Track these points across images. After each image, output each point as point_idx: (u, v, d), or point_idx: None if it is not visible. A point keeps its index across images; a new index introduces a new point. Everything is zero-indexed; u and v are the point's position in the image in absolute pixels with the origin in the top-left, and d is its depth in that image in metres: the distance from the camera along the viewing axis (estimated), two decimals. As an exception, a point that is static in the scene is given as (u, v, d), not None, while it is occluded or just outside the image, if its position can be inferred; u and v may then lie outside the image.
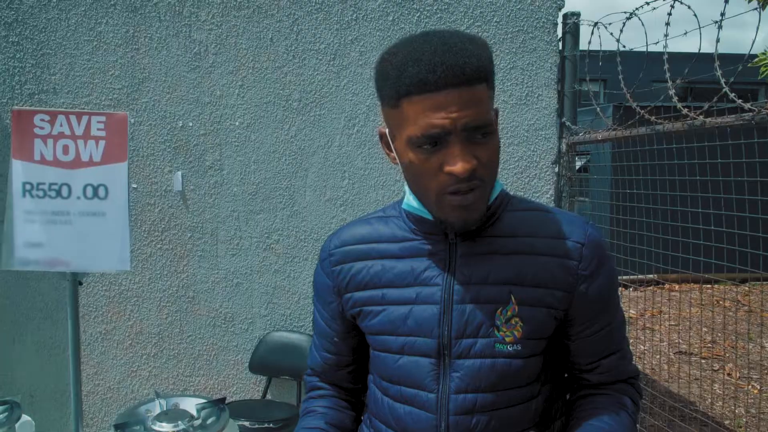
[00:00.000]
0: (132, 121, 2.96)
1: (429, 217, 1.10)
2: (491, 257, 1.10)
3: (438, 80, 0.94)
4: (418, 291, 1.11)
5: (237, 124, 3.01)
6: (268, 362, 3.03)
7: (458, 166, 0.97)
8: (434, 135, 0.96)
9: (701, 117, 2.12)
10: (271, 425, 2.61)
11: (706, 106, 2.10)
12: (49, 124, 1.71)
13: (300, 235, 3.08)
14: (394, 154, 1.07)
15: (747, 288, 7.37)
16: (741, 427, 4.57)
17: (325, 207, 3.07)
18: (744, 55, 2.00)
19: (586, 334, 1.13)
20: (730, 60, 2.11)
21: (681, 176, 2.66)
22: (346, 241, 1.19)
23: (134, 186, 2.97)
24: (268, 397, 3.08)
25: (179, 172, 2.99)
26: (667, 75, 2.29)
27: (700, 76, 2.29)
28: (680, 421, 3.41)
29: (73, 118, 1.73)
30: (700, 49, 2.28)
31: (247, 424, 2.59)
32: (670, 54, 2.40)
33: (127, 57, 2.95)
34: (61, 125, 1.72)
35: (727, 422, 4.45)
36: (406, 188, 1.14)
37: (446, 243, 1.11)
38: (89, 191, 1.75)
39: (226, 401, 2.83)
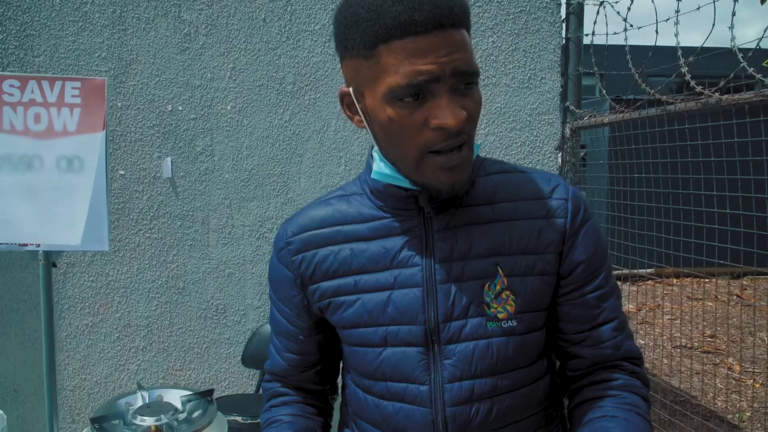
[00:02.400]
0: (119, 105, 2.84)
1: (404, 184, 0.96)
2: (470, 229, 0.98)
3: (425, 20, 0.82)
4: (396, 274, 0.99)
5: (229, 108, 2.90)
6: (262, 355, 2.91)
7: (449, 119, 0.85)
8: (419, 84, 0.84)
9: (716, 94, 2.01)
10: (264, 420, 2.50)
11: (722, 82, 1.99)
12: (19, 90, 1.57)
13: (294, 224, 2.96)
14: (359, 116, 0.94)
15: (746, 282, 7.30)
16: (744, 421, 4.53)
17: (321, 194, 2.95)
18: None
19: (576, 296, 1.01)
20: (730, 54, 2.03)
21: (694, 158, 2.55)
22: (306, 226, 1.05)
23: (121, 173, 2.85)
24: (261, 391, 2.97)
25: (168, 158, 2.88)
26: (679, 52, 2.19)
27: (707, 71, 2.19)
28: (682, 415, 3.33)
29: (45, 83, 1.60)
30: (704, 44, 2.18)
31: (239, 419, 2.48)
32: (671, 48, 2.30)
33: (114, 38, 2.83)
34: (32, 91, 1.59)
35: (729, 416, 4.40)
36: (375, 154, 1.00)
37: (420, 218, 0.99)
38: (63, 164, 1.62)
39: (217, 396, 2.73)
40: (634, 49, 2.61)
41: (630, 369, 1.04)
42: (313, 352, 1.12)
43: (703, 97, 2.07)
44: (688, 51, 2.22)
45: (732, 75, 1.97)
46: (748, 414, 4.49)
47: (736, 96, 1.95)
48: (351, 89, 0.94)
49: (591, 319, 1.02)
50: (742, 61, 1.90)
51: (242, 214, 2.94)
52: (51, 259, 1.71)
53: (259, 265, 2.96)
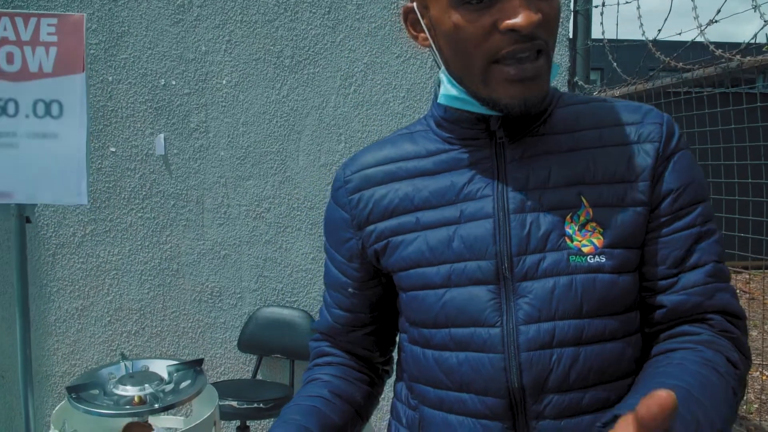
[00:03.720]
0: (110, 79, 2.73)
1: (472, 108, 0.86)
2: (548, 158, 0.87)
3: None
4: (463, 207, 0.87)
5: (224, 82, 2.79)
6: (259, 340, 2.81)
7: (520, 19, 0.75)
8: None
9: (737, 57, 1.90)
10: (261, 405, 2.39)
11: (743, 44, 1.88)
12: (-11, 28, 1.45)
13: (292, 203, 2.85)
14: (424, 33, 0.86)
15: (748, 276, 7.20)
16: (752, 413, 4.49)
17: (320, 173, 2.85)
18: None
19: (666, 232, 0.86)
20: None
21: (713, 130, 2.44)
22: (366, 163, 0.96)
23: (112, 150, 2.74)
24: (259, 377, 2.86)
25: (161, 135, 2.77)
26: (694, 14, 2.08)
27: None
28: None
29: (19, 20, 1.47)
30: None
31: (235, 404, 2.37)
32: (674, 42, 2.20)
33: (105, 9, 2.72)
34: (5, 29, 1.46)
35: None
36: (442, 76, 0.90)
37: (491, 148, 0.88)
38: (40, 108, 1.49)
39: (213, 381, 2.61)
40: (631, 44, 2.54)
41: (721, 326, 0.86)
42: (364, 310, 1.01)
43: (723, 60, 1.96)
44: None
45: (754, 35, 1.86)
46: (755, 405, 4.44)
47: (760, 57, 1.84)
48: (415, 4, 0.86)
49: (680, 262, 0.86)
50: (762, 17, 1.79)
51: (238, 193, 2.83)
52: (24, 213, 1.58)
53: (255, 246, 2.85)
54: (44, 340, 2.75)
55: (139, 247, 2.80)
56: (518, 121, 0.87)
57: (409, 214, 0.91)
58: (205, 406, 1.26)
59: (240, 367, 2.89)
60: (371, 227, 0.94)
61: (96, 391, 1.22)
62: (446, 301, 0.88)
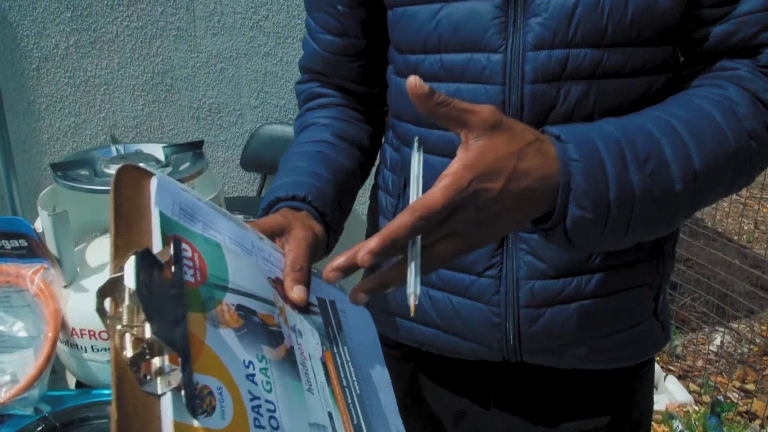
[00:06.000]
0: None
1: None
2: None
3: None
4: None
5: None
6: (262, 158, 2.70)
7: None
8: None
9: None
10: (267, 219, 2.33)
11: None
12: None
13: (292, 11, 2.61)
14: None
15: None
16: (750, 242, 4.59)
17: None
18: None
19: None
20: None
21: None
22: None
23: (89, -52, 2.46)
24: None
25: (142, -70, 2.47)
26: None
27: None
28: (689, 236, 3.23)
29: None
30: None
31: (241, 216, 2.30)
32: None
33: None
34: None
35: (735, 238, 4.43)
36: None
37: None
38: None
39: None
40: None
41: (759, 57, 0.71)
42: (356, 33, 0.87)
43: None
44: None
45: None
46: (755, 235, 4.52)
47: None
48: None
49: None
50: None
51: (232, -2, 2.58)
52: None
53: (254, 58, 2.65)
54: (39, 158, 2.65)
55: (129, 59, 2.60)
56: None
57: None
58: (207, 192, 1.16)
59: (244, 186, 2.81)
60: None
61: (85, 172, 1.11)
62: (441, 18, 0.73)
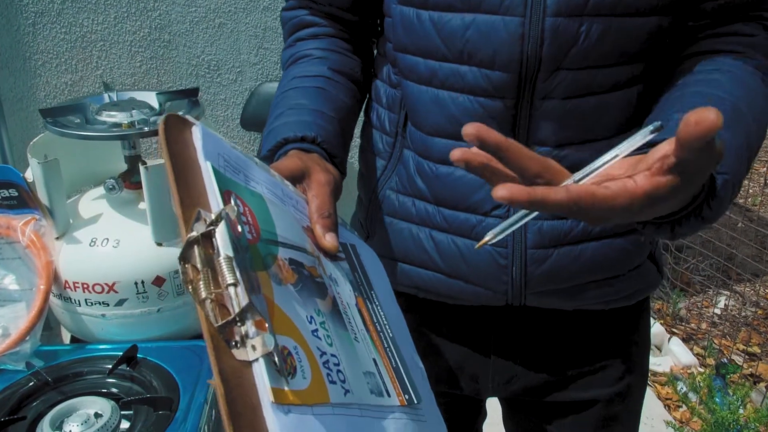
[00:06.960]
0: None
1: None
2: None
3: None
4: None
5: None
6: (262, 117, 2.63)
7: None
8: None
9: None
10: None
11: None
12: None
13: (292, -37, 2.53)
14: None
15: None
16: (756, 205, 4.57)
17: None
18: None
19: None
20: None
21: None
22: None
23: None
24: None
25: None
26: None
27: None
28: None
29: None
30: None
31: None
32: None
33: None
34: None
35: (741, 201, 4.42)
36: None
37: None
38: None
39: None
40: None
41: None
42: None
43: None
44: None
45: None
46: (759, 198, 4.49)
47: None
48: None
49: None
50: None
51: (230, -50, 2.50)
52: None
53: (253, 13, 2.58)
54: (36, 117, 2.59)
55: (125, 14, 2.53)
56: None
57: None
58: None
59: (244, 146, 2.76)
60: None
61: (76, 119, 1.06)
62: None
